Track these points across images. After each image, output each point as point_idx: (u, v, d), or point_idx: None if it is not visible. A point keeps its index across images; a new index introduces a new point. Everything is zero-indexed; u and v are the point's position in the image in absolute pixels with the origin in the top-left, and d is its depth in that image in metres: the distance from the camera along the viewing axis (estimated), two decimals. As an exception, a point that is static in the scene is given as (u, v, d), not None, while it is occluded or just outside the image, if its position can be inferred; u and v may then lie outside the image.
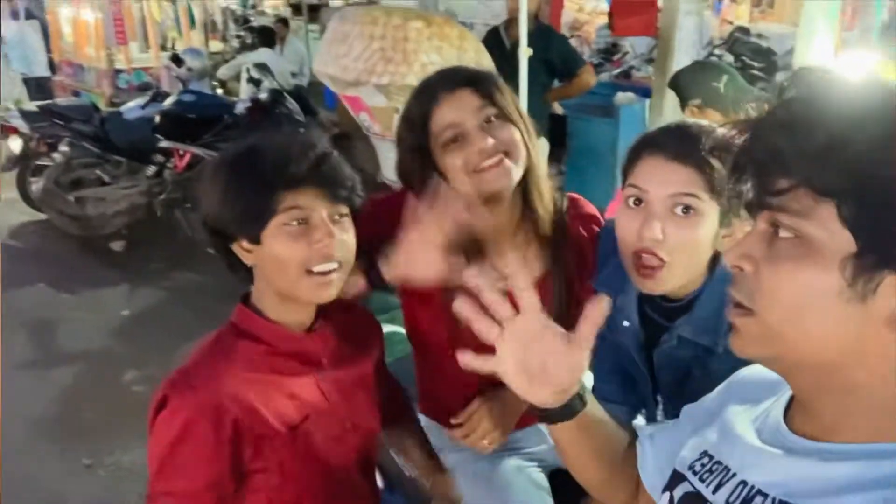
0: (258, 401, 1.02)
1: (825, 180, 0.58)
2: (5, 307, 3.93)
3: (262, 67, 5.64)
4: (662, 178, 1.02)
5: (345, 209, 1.05)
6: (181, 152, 4.77)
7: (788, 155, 0.60)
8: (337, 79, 3.15)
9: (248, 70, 5.75)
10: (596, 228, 1.39)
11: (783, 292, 0.62)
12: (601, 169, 4.74)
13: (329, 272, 1.03)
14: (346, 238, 1.04)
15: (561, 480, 1.43)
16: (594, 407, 0.92)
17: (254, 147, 1.03)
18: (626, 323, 1.18)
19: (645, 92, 4.70)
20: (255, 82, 5.50)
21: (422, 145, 1.25)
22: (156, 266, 4.63)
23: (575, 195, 1.46)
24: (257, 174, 0.99)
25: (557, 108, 4.87)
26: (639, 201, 1.05)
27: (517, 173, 1.25)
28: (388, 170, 3.06)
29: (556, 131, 4.94)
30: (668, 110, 3.90)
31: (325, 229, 1.01)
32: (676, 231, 1.02)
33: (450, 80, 1.25)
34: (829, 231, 0.58)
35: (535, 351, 0.81)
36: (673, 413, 1.20)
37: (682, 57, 3.65)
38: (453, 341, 1.33)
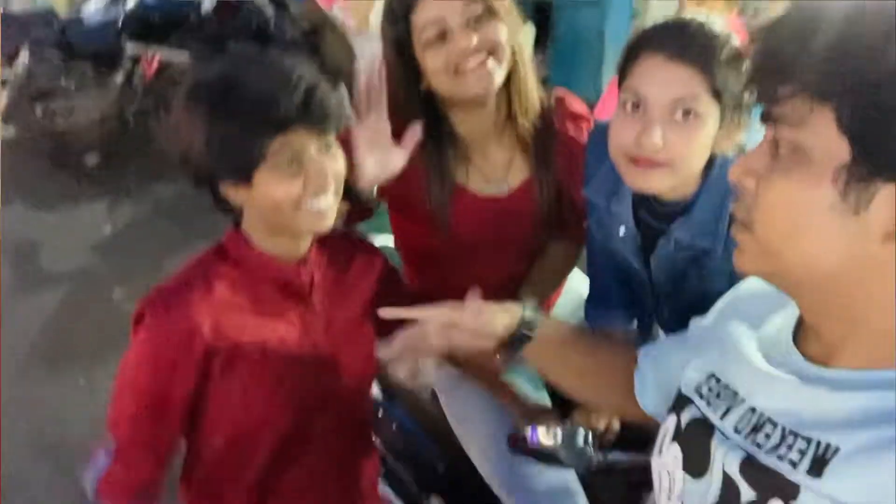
0: (232, 325, 1.01)
1: (825, 84, 0.57)
2: (-18, 230, 3.86)
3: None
4: (662, 81, 0.96)
5: (332, 138, 1.01)
6: (149, 58, 4.55)
7: (789, 59, 0.58)
8: (306, -30, 2.97)
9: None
10: (584, 127, 1.34)
11: (777, 207, 0.62)
12: (587, 57, 4.62)
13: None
14: (337, 167, 1.01)
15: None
16: (559, 329, 0.93)
17: (233, 80, 0.95)
18: (622, 229, 1.14)
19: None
20: (219, -23, 5.19)
21: (403, 41, 1.18)
22: (133, 179, 4.49)
23: (562, 93, 1.39)
24: (242, 117, 0.93)
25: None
26: (636, 106, 0.99)
27: (500, 75, 1.19)
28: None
29: (540, 18, 4.74)
30: (658, -8, 3.74)
31: (317, 166, 0.97)
32: (677, 137, 0.97)
33: None
34: (824, 139, 0.57)
35: None
36: (671, 314, 1.18)
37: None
38: (444, 246, 1.30)
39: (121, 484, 1.06)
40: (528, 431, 1.05)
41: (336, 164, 1.01)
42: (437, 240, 1.30)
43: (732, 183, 0.67)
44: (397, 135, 1.18)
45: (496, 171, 1.30)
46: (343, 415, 1.16)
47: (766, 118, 0.62)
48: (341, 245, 1.16)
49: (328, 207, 1.00)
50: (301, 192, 0.97)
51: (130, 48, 4.53)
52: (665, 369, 0.88)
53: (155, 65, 4.57)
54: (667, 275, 1.13)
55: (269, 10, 4.75)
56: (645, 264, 1.15)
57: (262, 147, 0.93)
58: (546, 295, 1.40)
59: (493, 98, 1.23)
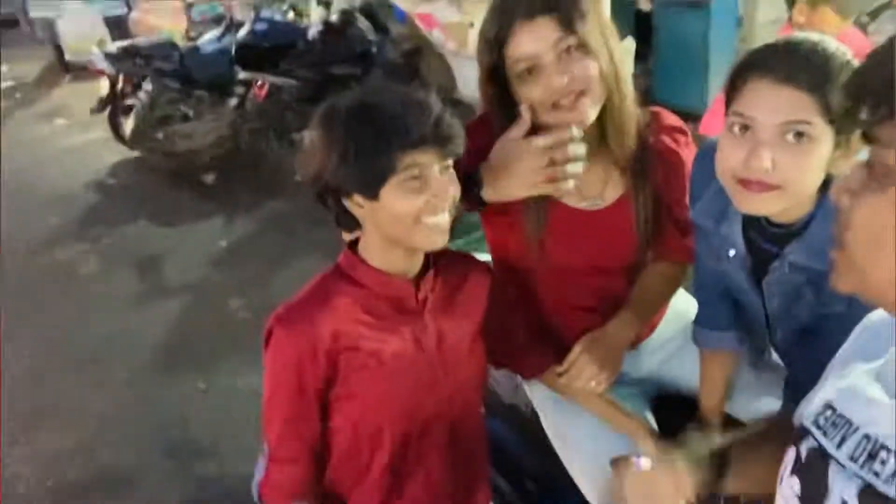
0: (350, 333, 1.10)
1: None
2: (112, 246, 4.17)
3: (329, -14, 5.55)
4: (771, 104, 0.93)
5: (451, 161, 1.08)
6: (259, 82, 4.82)
7: (888, 81, 0.57)
8: (408, -7, 3.05)
9: (316, -10, 5.67)
10: (682, 141, 1.32)
11: (864, 224, 0.61)
12: (692, 65, 4.48)
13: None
14: (454, 188, 1.08)
15: (664, 406, 1.41)
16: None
17: (368, 104, 1.04)
18: (731, 252, 1.12)
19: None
20: (325, 4, 5.43)
21: (499, 69, 1.20)
22: (246, 196, 4.75)
23: (657, 109, 1.37)
24: (377, 134, 1.01)
25: (644, 3, 4.59)
26: (745, 128, 0.96)
27: (593, 112, 1.19)
28: (465, 87, 2.97)
29: (642, 28, 4.66)
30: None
31: (439, 184, 1.05)
32: (788, 159, 0.94)
33: (529, 3, 1.15)
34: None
35: None
36: (784, 336, 1.14)
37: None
38: (540, 264, 1.31)
39: (277, 484, 1.17)
40: (634, 458, 1.02)
41: (454, 185, 1.08)
42: (532, 256, 1.30)
43: (832, 201, 0.66)
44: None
45: (591, 188, 1.29)
46: (458, 429, 1.21)
47: (866, 138, 0.62)
48: (454, 264, 1.22)
49: (444, 225, 1.07)
50: (421, 208, 1.04)
51: (243, 75, 4.80)
52: None
53: (265, 89, 4.82)
54: (780, 298, 1.10)
55: (372, 35, 4.93)
56: (756, 287, 1.12)
57: (394, 161, 1.01)
58: (648, 317, 1.37)
59: (588, 125, 1.22)
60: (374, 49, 4.90)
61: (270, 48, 4.79)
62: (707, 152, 1.09)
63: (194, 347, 3.19)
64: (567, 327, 1.35)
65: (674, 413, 1.38)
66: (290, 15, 5.50)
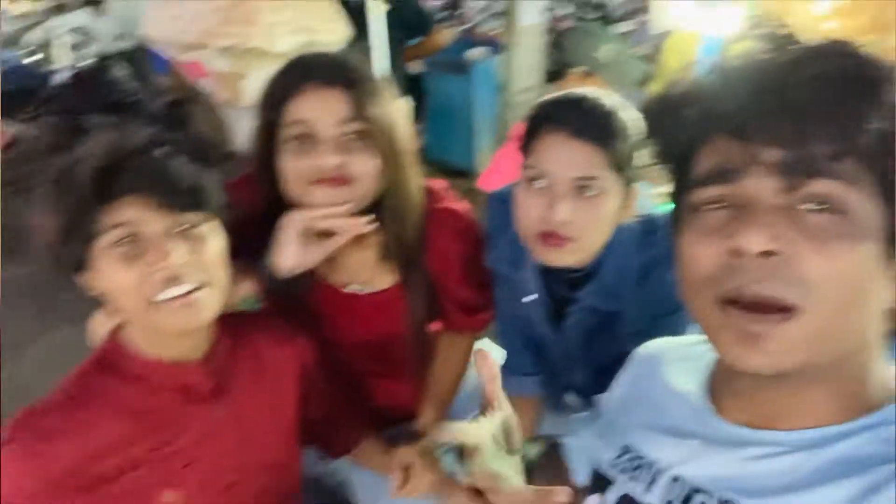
0: (126, 453, 0.87)
1: (877, 145, 0.52)
2: None
3: (81, 31, 5.11)
4: (565, 159, 0.98)
5: (193, 216, 0.86)
6: None
7: (848, 115, 0.52)
8: (171, 42, 2.86)
9: (65, 34, 5.20)
10: (450, 221, 1.23)
11: (838, 280, 0.53)
12: (459, 126, 4.77)
13: (186, 294, 0.84)
14: (201, 251, 0.86)
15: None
16: None
17: (77, 157, 0.83)
18: (530, 298, 1.15)
19: (495, 45, 4.70)
20: (76, 47, 4.97)
21: (274, 127, 1.07)
22: None
23: (432, 185, 1.25)
24: (69, 188, 0.81)
25: (414, 66, 4.81)
26: (540, 180, 1.00)
27: (356, 201, 1.08)
28: (240, 139, 2.86)
29: (414, 89, 4.86)
30: (519, 67, 3.96)
31: (158, 249, 0.82)
32: (582, 212, 0.99)
33: (327, 71, 1.05)
34: (870, 203, 0.54)
35: None
36: (585, 379, 1.19)
37: (528, 9, 3.71)
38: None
39: None
40: None
41: (199, 246, 0.86)
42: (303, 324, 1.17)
43: (732, 259, 0.56)
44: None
45: (358, 275, 1.22)
46: None
47: (795, 174, 0.54)
48: (254, 331, 1.04)
49: (191, 300, 0.84)
50: (144, 282, 0.82)
51: None
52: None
53: (5, 138, 4.27)
54: (578, 340, 1.14)
55: (130, 83, 4.61)
56: (555, 330, 1.15)
57: (88, 220, 0.80)
58: (452, 397, 1.33)
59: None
60: (131, 98, 4.59)
61: (8, 93, 4.23)
62: (500, 200, 1.12)
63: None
64: (360, 395, 1.32)
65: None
66: (34, 58, 5.01)
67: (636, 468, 0.70)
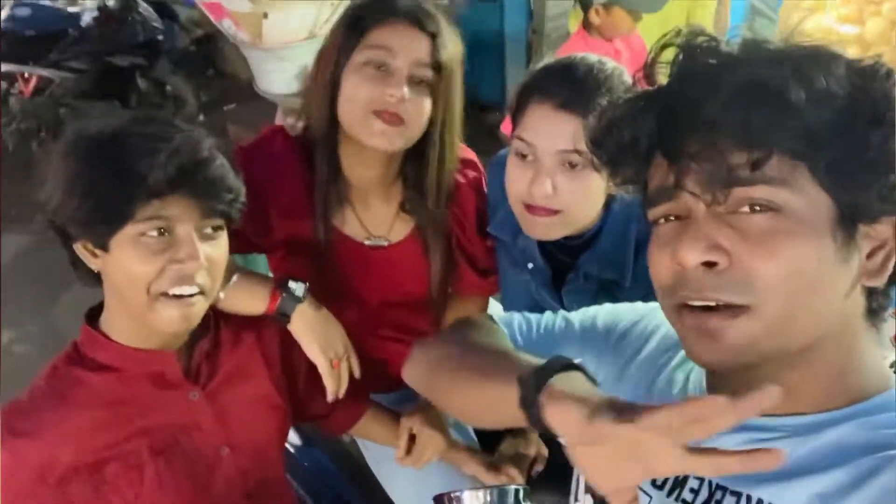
0: (101, 444, 0.88)
1: (798, 143, 0.54)
2: None
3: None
4: (550, 132, 0.96)
5: (219, 222, 0.88)
6: (26, 75, 4.19)
7: (758, 122, 0.54)
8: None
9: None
10: (470, 174, 1.27)
11: (784, 275, 0.55)
12: (489, 56, 4.53)
13: (190, 296, 0.85)
14: (216, 257, 0.88)
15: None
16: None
17: (119, 132, 0.83)
18: (530, 265, 1.13)
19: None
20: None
21: (349, 47, 1.09)
22: (17, 210, 3.93)
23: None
24: (115, 169, 0.80)
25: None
26: (527, 154, 0.99)
27: (403, 142, 1.11)
28: (265, 82, 2.82)
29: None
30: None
31: (189, 248, 0.83)
32: (568, 185, 0.97)
33: (417, 14, 1.09)
34: (807, 196, 0.55)
35: None
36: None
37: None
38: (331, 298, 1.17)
39: None
40: (454, 495, 0.89)
41: (215, 252, 0.87)
42: (320, 290, 1.14)
43: (680, 270, 0.58)
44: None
45: (377, 227, 1.23)
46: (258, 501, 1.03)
47: (725, 183, 0.56)
48: (230, 319, 1.01)
49: (188, 304, 0.85)
50: (162, 274, 0.83)
51: (4, 67, 4.14)
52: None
53: (33, 81, 4.19)
54: (578, 307, 1.05)
55: (158, 22, 4.10)
56: (557, 297, 1.13)
57: (131, 206, 0.80)
58: None
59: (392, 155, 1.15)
60: (159, 36, 4.40)
61: (35, 37, 4.18)
62: (501, 165, 1.09)
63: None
64: (373, 359, 1.26)
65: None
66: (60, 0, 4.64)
67: None
